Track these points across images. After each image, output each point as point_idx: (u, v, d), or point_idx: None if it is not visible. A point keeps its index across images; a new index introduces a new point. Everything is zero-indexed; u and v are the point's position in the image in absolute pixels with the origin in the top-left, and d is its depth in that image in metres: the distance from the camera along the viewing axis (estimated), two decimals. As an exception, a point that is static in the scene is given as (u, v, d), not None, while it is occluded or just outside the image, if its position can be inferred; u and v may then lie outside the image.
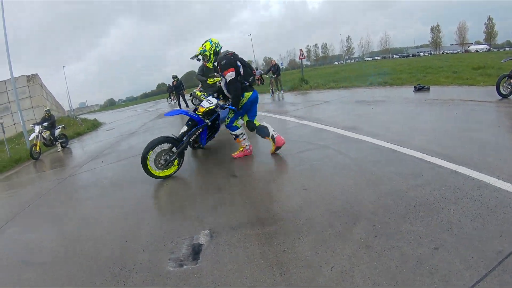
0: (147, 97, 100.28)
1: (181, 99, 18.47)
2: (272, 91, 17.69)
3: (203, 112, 5.34)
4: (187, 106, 17.96)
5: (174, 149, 5.16)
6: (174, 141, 5.15)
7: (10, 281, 3.28)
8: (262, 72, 27.47)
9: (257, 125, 5.54)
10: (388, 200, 3.25)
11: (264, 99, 16.09)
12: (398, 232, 2.70)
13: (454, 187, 3.31)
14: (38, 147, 11.91)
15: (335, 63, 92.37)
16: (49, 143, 12.94)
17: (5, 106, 22.95)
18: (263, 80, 24.66)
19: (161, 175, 5.17)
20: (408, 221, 2.84)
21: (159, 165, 5.12)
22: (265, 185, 4.21)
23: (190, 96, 11.68)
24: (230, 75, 5.03)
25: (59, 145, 13.01)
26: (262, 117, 9.19)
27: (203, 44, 5.37)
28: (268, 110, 10.88)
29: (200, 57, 5.45)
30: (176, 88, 18.85)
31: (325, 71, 32.87)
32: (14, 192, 7.48)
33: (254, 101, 5.39)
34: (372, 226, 2.85)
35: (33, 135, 12.25)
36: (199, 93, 9.52)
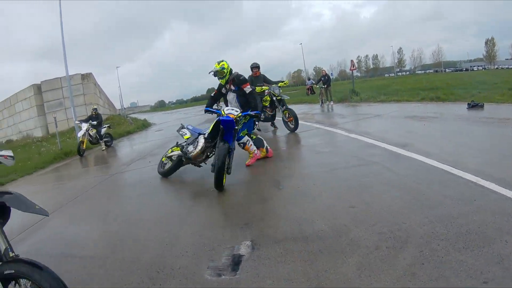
0: (196, 101, 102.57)
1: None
2: (322, 102, 17.48)
3: (235, 117, 5.30)
4: None
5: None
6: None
7: None
8: (313, 82, 27.27)
9: (253, 138, 6.25)
10: (437, 225, 2.96)
11: (314, 109, 15.93)
12: (447, 261, 2.43)
13: (509, 216, 2.97)
14: (84, 144, 12.40)
15: (386, 75, 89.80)
16: (95, 141, 13.23)
17: (59, 101, 24.23)
18: (314, 90, 24.54)
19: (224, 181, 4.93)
20: (457, 249, 2.56)
21: (227, 171, 5.08)
22: (311, 200, 4.00)
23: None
24: (249, 87, 5.89)
25: (103, 143, 13.34)
26: (312, 128, 9.13)
27: (220, 63, 5.90)
28: (317, 121, 10.69)
29: (213, 73, 5.99)
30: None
31: (375, 83, 32.00)
32: (60, 184, 7.82)
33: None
34: (419, 252, 2.59)
35: (81, 132, 12.61)
36: None
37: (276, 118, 10.17)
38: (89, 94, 25.86)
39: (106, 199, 5.79)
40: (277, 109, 9.73)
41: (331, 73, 19.37)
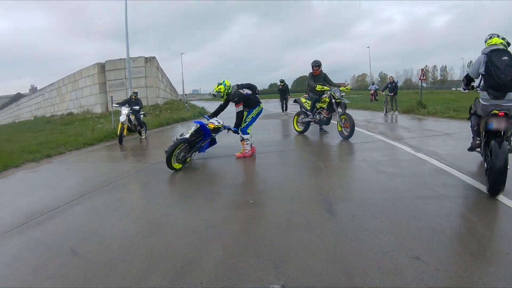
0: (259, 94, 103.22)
1: (284, 102, 19.44)
2: (386, 111, 16.26)
3: (213, 127, 6.99)
4: (286, 109, 19.24)
5: (187, 148, 6.65)
6: (188, 142, 6.64)
7: (49, 268, 3.03)
8: (377, 88, 25.88)
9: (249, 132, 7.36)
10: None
11: (377, 117, 14.80)
12: None
13: None
14: (125, 131, 11.55)
15: (453, 88, 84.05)
16: (133, 128, 12.14)
17: (121, 81, 25.16)
18: (377, 96, 23.16)
19: (177, 167, 6.38)
20: None
21: (178, 160, 6.45)
22: (367, 238, 3.21)
23: (294, 101, 11.27)
24: (239, 108, 7.14)
25: (143, 132, 12.56)
26: (374, 140, 8.28)
27: (218, 86, 7.36)
28: (381, 132, 9.71)
29: (214, 93, 7.57)
30: (282, 92, 19.78)
31: (442, 97, 29.30)
32: (99, 166, 7.72)
33: (260, 113, 7.57)
34: None
35: (123, 117, 11.51)
36: (304, 100, 9.15)
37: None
38: (151, 77, 26.71)
39: (136, 191, 5.51)
40: (334, 113, 9.14)
41: (397, 81, 17.97)
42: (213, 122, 7.03)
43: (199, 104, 36.69)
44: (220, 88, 7.31)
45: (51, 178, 7.01)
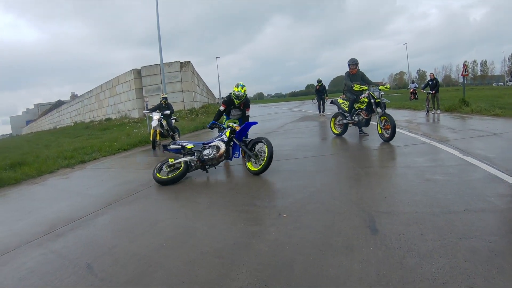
0: (295, 95, 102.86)
1: (321, 103, 18.94)
2: (428, 109, 15.24)
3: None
4: (324, 111, 18.66)
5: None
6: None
7: (62, 285, 2.88)
8: (417, 86, 24.74)
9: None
10: None
11: (418, 117, 13.76)
12: None
13: None
14: (158, 136, 11.39)
15: (494, 84, 79.58)
16: (165, 133, 11.89)
17: (157, 86, 25.54)
18: (417, 95, 22.07)
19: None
20: None
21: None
22: (415, 262, 2.65)
23: (331, 103, 10.67)
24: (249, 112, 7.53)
25: (176, 136, 12.22)
26: (417, 142, 7.54)
27: (243, 88, 7.13)
28: (424, 133, 8.88)
29: (235, 95, 7.17)
30: (319, 93, 19.17)
31: (484, 93, 27.38)
32: (129, 173, 7.58)
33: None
34: None
35: (155, 122, 11.34)
36: (341, 101, 8.77)
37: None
38: (186, 81, 26.98)
39: (161, 202, 5.22)
40: (373, 114, 8.54)
41: (429, 78, 16.82)
42: (232, 126, 6.62)
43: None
44: (246, 90, 7.22)
45: (81, 185, 6.94)
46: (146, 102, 14.97)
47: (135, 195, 5.52)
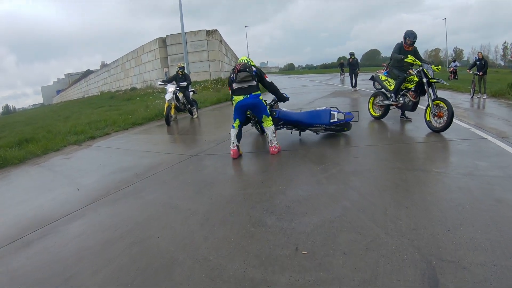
0: (326, 68, 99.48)
1: (354, 77, 17.43)
2: (473, 93, 13.37)
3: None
4: (356, 86, 17.19)
5: None
6: None
7: None
8: (458, 65, 22.54)
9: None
10: None
11: (462, 101, 11.64)
12: None
13: None
14: (173, 110, 10.40)
15: None
16: (182, 107, 10.88)
17: (182, 55, 24.46)
18: (457, 75, 20.07)
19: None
20: None
21: None
22: None
23: (370, 79, 9.12)
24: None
25: (195, 110, 11.34)
26: (471, 136, 5.98)
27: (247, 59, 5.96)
28: (476, 124, 7.08)
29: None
30: (352, 66, 17.69)
31: None
32: (138, 153, 6.68)
33: (238, 106, 5.77)
34: None
35: (169, 95, 10.30)
36: (383, 78, 7.15)
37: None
38: (213, 50, 25.93)
39: (147, 207, 4.11)
40: (422, 96, 7.06)
41: (476, 58, 14.51)
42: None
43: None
44: (250, 62, 5.94)
45: (77, 169, 6.11)
46: (166, 72, 14.12)
47: (124, 190, 4.57)
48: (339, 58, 76.38)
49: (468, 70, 14.90)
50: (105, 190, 4.66)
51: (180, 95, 10.63)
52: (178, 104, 10.58)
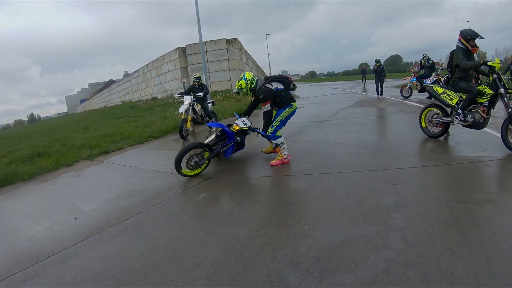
0: (348, 75, 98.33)
1: (379, 85, 16.75)
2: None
3: (237, 130, 6.01)
4: (382, 94, 16.64)
5: (204, 154, 5.78)
6: (205, 147, 5.79)
7: None
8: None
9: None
10: None
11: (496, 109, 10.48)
12: None
13: None
14: (189, 124, 9.80)
15: None
16: (199, 120, 10.34)
17: (201, 65, 24.17)
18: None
19: (189, 174, 5.62)
20: None
21: (190, 166, 5.61)
22: None
23: (420, 90, 8.05)
24: (267, 107, 5.80)
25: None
26: None
27: (239, 82, 5.99)
28: None
29: (236, 91, 6.13)
30: (377, 73, 16.98)
31: None
32: (150, 173, 6.17)
33: (292, 114, 6.08)
34: None
35: (183, 107, 9.85)
36: (440, 90, 6.67)
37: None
38: (233, 59, 25.58)
39: (176, 228, 3.65)
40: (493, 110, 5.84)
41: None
42: (238, 124, 6.04)
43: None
44: (241, 84, 5.99)
45: (84, 190, 5.66)
46: (184, 83, 13.62)
47: (126, 222, 4.01)
48: (361, 65, 75.02)
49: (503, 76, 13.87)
50: (105, 220, 4.12)
51: (198, 107, 10.13)
52: (195, 117, 10.07)
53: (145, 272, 2.87)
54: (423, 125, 6.81)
